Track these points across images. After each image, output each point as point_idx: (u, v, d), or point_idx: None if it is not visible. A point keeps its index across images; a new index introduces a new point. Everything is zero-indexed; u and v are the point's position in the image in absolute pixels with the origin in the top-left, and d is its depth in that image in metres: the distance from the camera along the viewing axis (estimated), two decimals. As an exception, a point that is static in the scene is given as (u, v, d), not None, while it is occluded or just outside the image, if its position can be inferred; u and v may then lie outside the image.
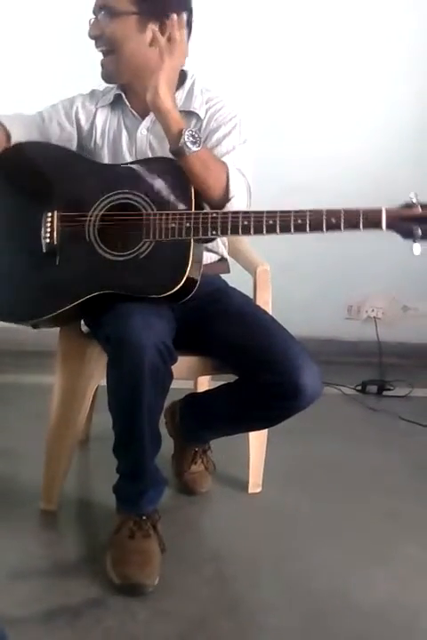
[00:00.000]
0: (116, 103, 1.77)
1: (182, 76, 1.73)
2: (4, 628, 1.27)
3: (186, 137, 1.52)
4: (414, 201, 1.45)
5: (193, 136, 1.53)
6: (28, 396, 2.40)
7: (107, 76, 1.73)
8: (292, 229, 1.48)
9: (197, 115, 1.71)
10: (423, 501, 2.00)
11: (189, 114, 1.70)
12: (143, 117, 1.74)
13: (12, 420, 2.27)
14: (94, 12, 1.69)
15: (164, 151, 1.64)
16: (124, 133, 1.75)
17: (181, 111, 1.62)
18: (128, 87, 1.76)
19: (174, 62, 1.58)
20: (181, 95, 1.72)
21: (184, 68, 1.73)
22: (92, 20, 1.69)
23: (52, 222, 1.61)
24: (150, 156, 1.71)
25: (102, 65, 1.72)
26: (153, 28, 1.63)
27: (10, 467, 2.00)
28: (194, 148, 1.53)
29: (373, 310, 3.22)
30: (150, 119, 1.72)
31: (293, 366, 1.55)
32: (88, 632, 1.42)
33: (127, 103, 1.76)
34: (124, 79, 1.74)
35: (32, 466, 1.85)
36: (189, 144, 1.52)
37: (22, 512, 1.79)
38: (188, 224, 1.52)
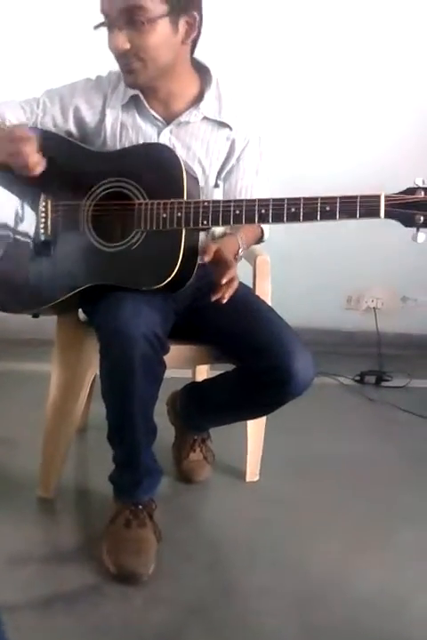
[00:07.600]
0: (129, 103, 1.66)
1: (203, 71, 1.67)
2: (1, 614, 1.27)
3: (240, 253, 1.65)
4: (420, 185, 1.37)
5: (241, 251, 1.65)
6: (25, 384, 2.40)
7: (134, 84, 1.60)
8: (285, 218, 1.44)
9: (229, 126, 1.69)
10: (420, 491, 2.01)
11: (221, 125, 1.68)
12: (166, 121, 1.65)
13: (10, 408, 2.27)
14: (113, 23, 1.49)
15: (187, 157, 1.63)
16: (142, 138, 1.66)
17: (213, 121, 1.66)
18: (150, 89, 1.63)
19: None
20: (210, 96, 1.66)
21: (205, 64, 1.68)
22: (115, 32, 1.49)
23: (46, 211, 1.59)
24: None
25: (130, 72, 1.56)
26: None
27: (7, 454, 2.00)
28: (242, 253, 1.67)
29: (372, 301, 3.23)
30: (175, 125, 1.65)
31: (284, 352, 1.54)
32: (84, 618, 1.43)
33: (147, 105, 1.65)
34: (152, 84, 1.61)
35: (30, 454, 1.85)
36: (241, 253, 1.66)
37: (20, 500, 1.79)
38: (179, 214, 1.49)
